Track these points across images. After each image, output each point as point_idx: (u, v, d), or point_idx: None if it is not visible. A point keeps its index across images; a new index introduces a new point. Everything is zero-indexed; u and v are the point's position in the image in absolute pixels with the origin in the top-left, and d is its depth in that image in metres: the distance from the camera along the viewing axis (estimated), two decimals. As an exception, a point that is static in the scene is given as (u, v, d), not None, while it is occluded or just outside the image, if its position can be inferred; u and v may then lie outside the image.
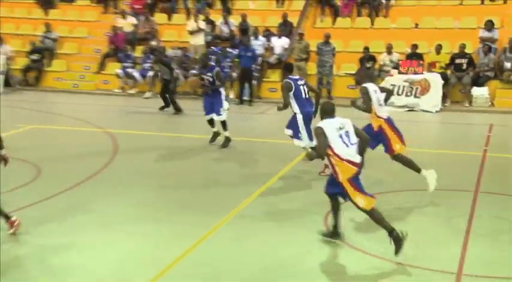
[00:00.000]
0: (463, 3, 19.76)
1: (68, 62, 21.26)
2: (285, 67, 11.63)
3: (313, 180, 11.04)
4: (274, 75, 18.87)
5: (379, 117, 9.82)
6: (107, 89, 20.19)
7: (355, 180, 7.53)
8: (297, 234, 8.54)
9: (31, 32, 21.97)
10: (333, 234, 8.01)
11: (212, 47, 19.14)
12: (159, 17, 21.83)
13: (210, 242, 8.35)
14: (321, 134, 7.51)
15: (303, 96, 10.90)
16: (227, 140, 12.82)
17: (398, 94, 17.28)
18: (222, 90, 13.27)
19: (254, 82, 18.36)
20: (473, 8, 19.58)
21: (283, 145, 13.21)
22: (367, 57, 18.20)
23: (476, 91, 17.10)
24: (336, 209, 7.88)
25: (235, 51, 18.53)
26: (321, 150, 7.54)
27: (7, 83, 20.14)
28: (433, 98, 16.95)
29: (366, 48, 18.39)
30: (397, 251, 7.23)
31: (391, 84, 16.99)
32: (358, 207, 7.48)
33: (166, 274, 7.30)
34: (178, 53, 19.28)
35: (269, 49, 19.16)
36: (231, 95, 18.16)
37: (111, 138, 14.20)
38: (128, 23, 21.02)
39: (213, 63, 14.75)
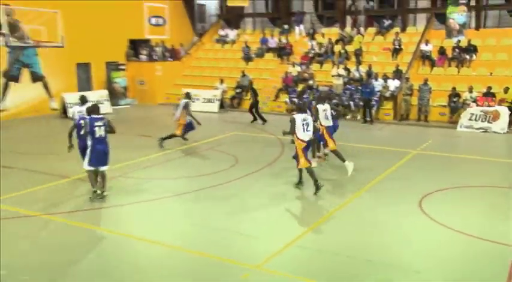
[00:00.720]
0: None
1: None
2: (298, 106, 10.67)
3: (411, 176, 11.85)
4: (388, 105, 19.43)
5: (322, 125, 11.33)
6: (279, 111, 21.05)
7: (304, 150, 9.91)
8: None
9: (237, 75, 23.07)
10: (299, 183, 10.34)
11: (348, 86, 20.09)
12: (315, 66, 22.65)
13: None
14: (293, 121, 9.86)
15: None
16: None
17: (475, 120, 17.45)
18: None
19: (374, 109, 19.10)
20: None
21: (389, 151, 14.24)
22: (454, 94, 18.35)
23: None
24: (300, 170, 10.20)
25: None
26: (292, 130, 9.86)
27: (222, 106, 21.93)
28: (501, 123, 17.15)
29: (453, 88, 18.50)
30: (316, 193, 9.70)
31: (471, 113, 17.47)
32: (299, 165, 9.97)
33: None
34: (325, 89, 19.71)
35: (385, 87, 19.54)
36: (358, 117, 19.21)
37: (280, 142, 14.83)
38: (295, 69, 22.28)
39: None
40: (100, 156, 9.39)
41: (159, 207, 9.38)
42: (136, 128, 17.63)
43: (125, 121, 19.53)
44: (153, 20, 24.95)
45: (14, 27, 16.11)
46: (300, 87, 21.12)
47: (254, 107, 18.89)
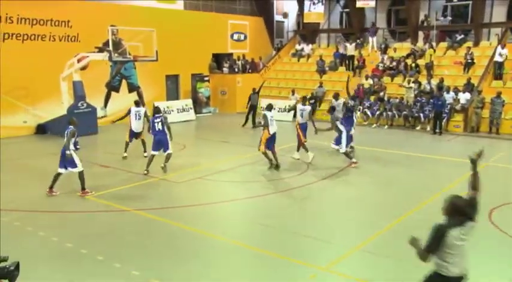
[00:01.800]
0: None
1: (328, 104, 21.45)
2: (331, 109, 13.08)
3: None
4: (459, 117, 18.68)
5: (297, 123, 13.37)
6: None
7: (268, 140, 12.00)
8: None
9: (311, 87, 23.32)
10: (271, 166, 12.16)
11: (418, 98, 19.36)
12: (386, 79, 22.21)
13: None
14: (265, 117, 12.02)
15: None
16: None
17: None
18: None
19: (444, 120, 18.32)
20: None
21: (458, 162, 13.64)
22: None
23: None
24: (264, 153, 12.15)
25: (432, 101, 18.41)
26: (266, 124, 11.96)
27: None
28: None
29: None
30: (271, 168, 12.03)
31: None
32: (259, 149, 12.12)
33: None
34: (396, 101, 19.70)
35: (456, 100, 18.88)
36: (428, 128, 18.55)
37: (350, 150, 14.28)
38: (367, 82, 22.04)
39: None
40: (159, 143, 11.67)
41: (232, 208, 9.60)
42: (216, 134, 18.11)
43: (206, 127, 20.22)
44: (235, 36, 25.66)
45: (117, 45, 17.17)
46: (372, 98, 20.86)
47: (253, 111, 19.49)
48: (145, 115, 13.67)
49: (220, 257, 7.20)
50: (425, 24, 24.46)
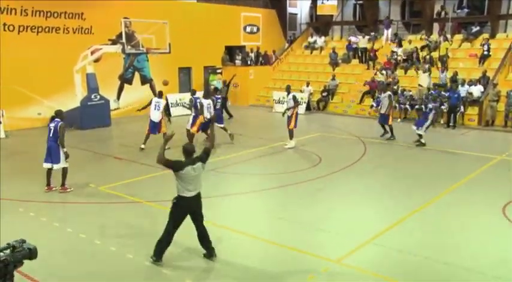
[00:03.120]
0: None
1: (342, 97, 22.37)
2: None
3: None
4: (473, 110, 18.45)
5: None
6: (363, 115, 20.80)
7: (201, 124, 13.47)
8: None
9: (324, 80, 23.28)
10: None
11: (431, 91, 19.04)
12: (400, 72, 22.02)
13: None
14: (201, 104, 13.47)
15: None
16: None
17: None
18: None
19: (458, 114, 18.06)
20: None
21: (472, 156, 13.55)
22: None
23: None
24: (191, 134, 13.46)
25: (447, 94, 18.23)
26: (200, 111, 13.41)
27: (308, 108, 21.82)
28: None
29: None
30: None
31: None
32: (191, 131, 13.41)
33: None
34: (408, 94, 19.54)
35: (470, 93, 18.56)
36: (442, 121, 18.06)
37: (363, 144, 14.80)
38: (382, 76, 21.61)
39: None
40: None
41: (246, 201, 9.59)
42: (229, 126, 17.97)
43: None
44: (248, 28, 25.54)
45: (130, 37, 17.23)
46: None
47: (224, 102, 19.03)
48: (165, 107, 13.84)
49: (233, 249, 7.20)
50: (442, 15, 24.04)
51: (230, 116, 19.29)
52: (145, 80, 21.70)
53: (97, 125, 17.31)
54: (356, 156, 13.00)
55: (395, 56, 22.72)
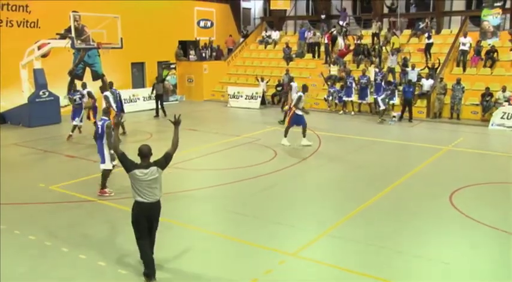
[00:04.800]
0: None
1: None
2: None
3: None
4: (422, 103, 18.96)
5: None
6: (317, 108, 20.75)
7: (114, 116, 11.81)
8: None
9: (278, 74, 23.13)
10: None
11: (377, 82, 18.50)
12: (352, 66, 21.98)
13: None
14: (107, 97, 13.29)
15: None
16: None
17: (507, 118, 16.83)
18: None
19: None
20: None
21: (421, 147, 13.81)
22: (487, 94, 17.78)
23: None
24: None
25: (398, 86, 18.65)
26: (108, 104, 12.94)
27: (263, 102, 21.78)
28: (536, 121, 16.32)
29: (487, 88, 17.87)
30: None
31: (503, 112, 16.89)
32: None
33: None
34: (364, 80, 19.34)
35: (420, 85, 18.92)
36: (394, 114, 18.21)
37: (317, 137, 14.80)
38: (334, 68, 21.79)
39: None
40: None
41: (202, 196, 9.48)
42: (184, 121, 17.70)
43: (173, 116, 19.80)
44: (202, 23, 25.24)
45: (80, 31, 16.64)
46: (338, 85, 20.80)
47: (160, 100, 18.92)
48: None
49: (190, 245, 7.10)
50: (390, 11, 24.64)
51: (165, 114, 18.28)
52: (97, 76, 21.05)
53: (46, 123, 16.64)
54: (311, 150, 13.11)
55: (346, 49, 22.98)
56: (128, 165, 5.88)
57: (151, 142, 13.79)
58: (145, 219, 5.98)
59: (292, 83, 16.86)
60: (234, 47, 27.24)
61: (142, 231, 5.92)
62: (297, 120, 13.41)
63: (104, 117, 9.12)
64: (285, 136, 13.62)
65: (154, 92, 18.91)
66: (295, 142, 13.55)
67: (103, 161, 9.20)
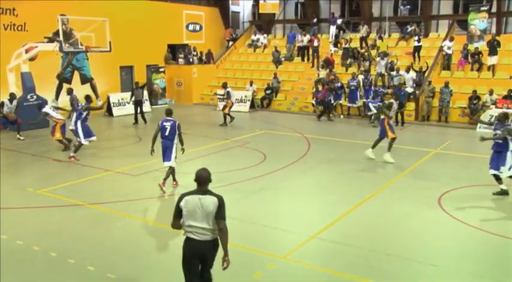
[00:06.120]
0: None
1: (285, 94, 22.48)
2: None
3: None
4: (410, 106, 19.09)
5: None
6: (306, 111, 20.84)
7: (61, 127, 13.26)
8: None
9: (267, 77, 23.34)
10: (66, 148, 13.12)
11: (366, 87, 19.18)
12: (341, 69, 22.12)
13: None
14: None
15: None
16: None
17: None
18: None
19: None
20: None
21: (410, 150, 13.76)
22: (474, 97, 17.99)
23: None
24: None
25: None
26: (53, 115, 13.13)
27: (252, 106, 21.86)
28: (520, 124, 17.14)
29: (474, 91, 18.06)
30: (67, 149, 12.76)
31: (490, 115, 16.84)
32: (54, 137, 12.96)
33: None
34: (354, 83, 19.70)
35: (403, 82, 19.18)
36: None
37: (306, 140, 14.91)
38: (323, 72, 21.62)
39: None
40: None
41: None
42: (145, 131, 17.68)
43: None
44: (191, 26, 25.25)
45: (68, 35, 16.53)
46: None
47: (139, 106, 18.13)
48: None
49: (178, 249, 7.05)
50: (378, 14, 24.83)
51: (145, 121, 18.04)
52: (85, 79, 20.96)
53: (34, 127, 16.45)
54: (300, 153, 13.14)
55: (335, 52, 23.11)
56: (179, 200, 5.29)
57: (140, 145, 13.88)
58: (197, 258, 5.46)
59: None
60: (223, 51, 27.16)
61: (191, 269, 5.43)
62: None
63: (168, 118, 9.57)
64: (389, 150, 12.34)
65: (133, 98, 18.17)
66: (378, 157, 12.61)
67: (168, 159, 9.63)
